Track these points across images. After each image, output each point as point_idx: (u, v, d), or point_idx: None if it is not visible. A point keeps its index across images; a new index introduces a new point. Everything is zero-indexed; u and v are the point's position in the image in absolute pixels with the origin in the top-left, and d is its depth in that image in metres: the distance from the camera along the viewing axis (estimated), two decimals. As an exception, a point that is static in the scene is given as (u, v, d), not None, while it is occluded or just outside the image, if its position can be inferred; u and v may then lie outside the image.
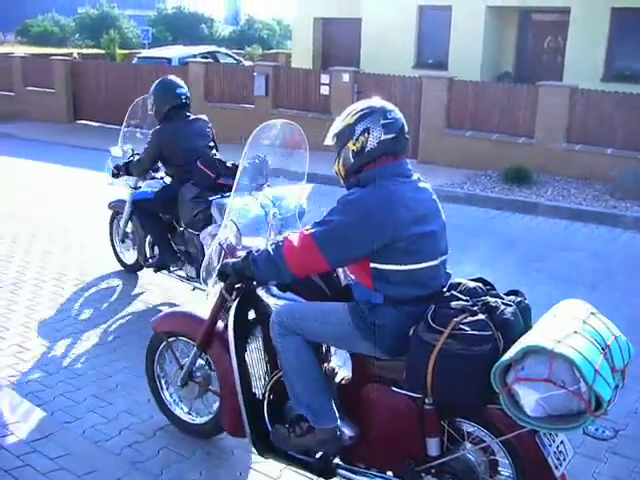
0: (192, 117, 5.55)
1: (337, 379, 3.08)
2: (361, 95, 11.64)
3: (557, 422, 2.32)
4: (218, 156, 5.46)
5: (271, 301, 3.10)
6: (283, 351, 2.93)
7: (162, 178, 5.72)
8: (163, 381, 3.78)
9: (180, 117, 5.42)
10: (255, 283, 3.05)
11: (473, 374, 2.45)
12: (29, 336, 5.02)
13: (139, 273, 6.27)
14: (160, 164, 5.61)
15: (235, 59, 18.86)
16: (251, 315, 3.26)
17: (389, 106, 2.78)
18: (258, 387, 3.23)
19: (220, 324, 3.32)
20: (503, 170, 10.41)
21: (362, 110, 2.76)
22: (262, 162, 3.63)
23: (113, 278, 6.28)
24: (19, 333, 5.07)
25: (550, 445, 2.54)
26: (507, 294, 2.74)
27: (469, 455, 2.68)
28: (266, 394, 3.18)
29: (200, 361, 3.51)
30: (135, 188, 5.87)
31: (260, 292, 3.13)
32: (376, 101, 2.81)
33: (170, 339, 3.64)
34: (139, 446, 3.66)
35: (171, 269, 5.67)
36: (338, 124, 2.82)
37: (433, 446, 2.69)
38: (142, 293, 5.94)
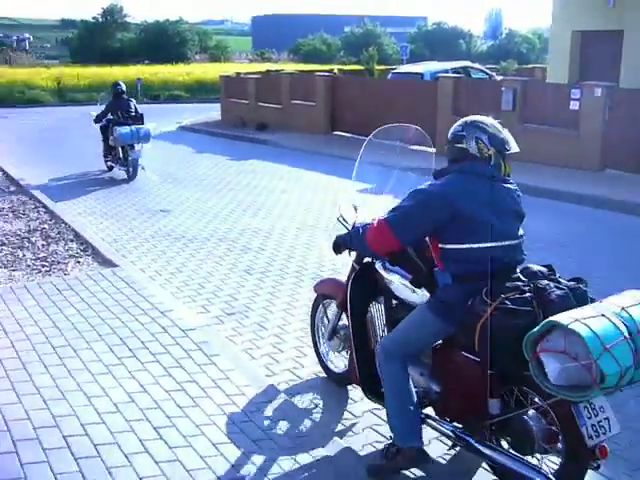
0: (125, 97, 12.50)
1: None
2: (612, 111, 11.13)
3: (575, 392, 2.64)
4: (133, 112, 12.23)
5: (384, 273, 3.69)
6: (385, 375, 3.42)
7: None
8: (320, 338, 4.54)
9: (119, 97, 12.38)
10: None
11: (511, 343, 2.84)
12: (287, 330, 5.74)
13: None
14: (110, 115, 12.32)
15: (487, 74, 18.87)
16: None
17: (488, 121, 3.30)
18: (375, 344, 3.81)
19: None
20: None
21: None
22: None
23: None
24: (279, 325, 5.81)
25: (589, 417, 2.81)
26: (569, 280, 3.08)
27: (526, 418, 3.02)
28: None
29: (342, 320, 4.18)
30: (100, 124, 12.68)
31: (377, 265, 3.76)
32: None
33: (325, 301, 4.42)
34: (347, 423, 4.07)
35: (114, 163, 12.49)
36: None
37: (494, 405, 3.10)
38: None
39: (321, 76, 18.66)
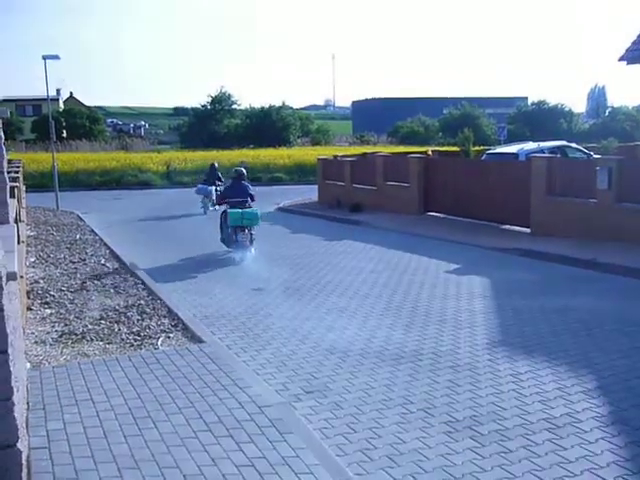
0: (216, 172, 21.34)
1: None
2: None
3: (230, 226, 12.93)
4: (216, 179, 21.17)
5: (225, 207, 13.57)
6: (222, 223, 13.32)
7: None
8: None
9: (212, 170, 21.53)
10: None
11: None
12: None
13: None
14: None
15: (585, 153, 18.54)
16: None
17: (239, 168, 14.33)
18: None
19: None
20: None
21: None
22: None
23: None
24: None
25: (241, 235, 12.56)
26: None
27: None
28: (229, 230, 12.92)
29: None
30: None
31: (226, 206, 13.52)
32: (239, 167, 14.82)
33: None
34: None
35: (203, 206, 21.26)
36: None
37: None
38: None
39: (414, 157, 18.94)
